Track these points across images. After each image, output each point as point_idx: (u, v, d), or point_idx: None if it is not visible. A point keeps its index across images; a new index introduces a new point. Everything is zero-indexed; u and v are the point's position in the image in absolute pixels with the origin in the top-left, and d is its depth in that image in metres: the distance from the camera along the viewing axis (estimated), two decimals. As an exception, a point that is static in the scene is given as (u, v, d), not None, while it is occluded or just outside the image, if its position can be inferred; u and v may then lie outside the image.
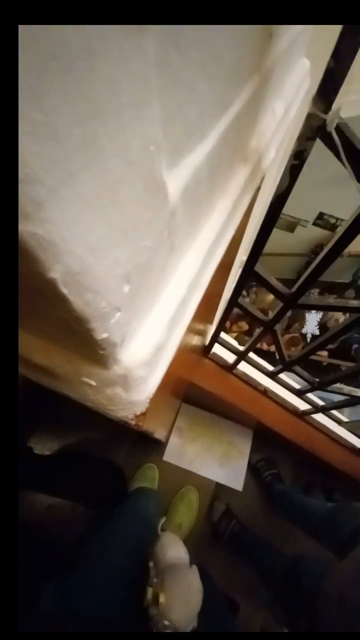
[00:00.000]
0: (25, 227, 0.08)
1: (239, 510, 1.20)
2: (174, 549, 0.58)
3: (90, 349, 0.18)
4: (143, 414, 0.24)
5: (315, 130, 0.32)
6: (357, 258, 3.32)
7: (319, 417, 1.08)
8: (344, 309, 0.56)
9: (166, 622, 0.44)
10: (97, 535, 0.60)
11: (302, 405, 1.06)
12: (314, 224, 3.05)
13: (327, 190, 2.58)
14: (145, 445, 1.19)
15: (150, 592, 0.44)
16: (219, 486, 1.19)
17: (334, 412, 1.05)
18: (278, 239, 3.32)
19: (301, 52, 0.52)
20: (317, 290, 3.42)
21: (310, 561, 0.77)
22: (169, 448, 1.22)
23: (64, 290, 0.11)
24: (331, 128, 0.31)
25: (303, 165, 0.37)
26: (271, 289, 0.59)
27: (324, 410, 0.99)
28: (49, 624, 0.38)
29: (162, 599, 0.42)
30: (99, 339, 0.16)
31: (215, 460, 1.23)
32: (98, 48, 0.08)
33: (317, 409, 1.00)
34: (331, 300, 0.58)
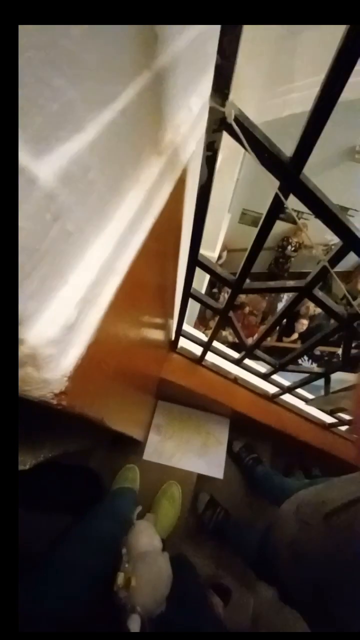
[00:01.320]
0: None
1: (223, 498, 1.23)
2: (147, 536, 0.59)
3: (-16, 327, 0.19)
4: (63, 393, 0.26)
5: (218, 122, 0.35)
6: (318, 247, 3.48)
7: (288, 398, 1.14)
8: (282, 290, 0.60)
9: (135, 606, 0.45)
10: (68, 536, 0.60)
11: (272, 389, 1.11)
12: (279, 218, 3.18)
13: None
14: (124, 448, 1.19)
15: (121, 576, 0.45)
16: (200, 477, 1.22)
17: (301, 391, 1.10)
18: (246, 234, 3.44)
19: (214, 52, 0.56)
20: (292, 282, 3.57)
21: (274, 528, 0.78)
22: (148, 446, 1.22)
23: None
24: (230, 120, 0.34)
25: (217, 156, 0.40)
26: (218, 277, 0.62)
27: (290, 390, 1.04)
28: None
29: (133, 582, 0.44)
30: (-18, 314, 0.17)
31: (195, 452, 1.25)
32: None
33: (283, 389, 1.05)
34: (271, 283, 0.62)
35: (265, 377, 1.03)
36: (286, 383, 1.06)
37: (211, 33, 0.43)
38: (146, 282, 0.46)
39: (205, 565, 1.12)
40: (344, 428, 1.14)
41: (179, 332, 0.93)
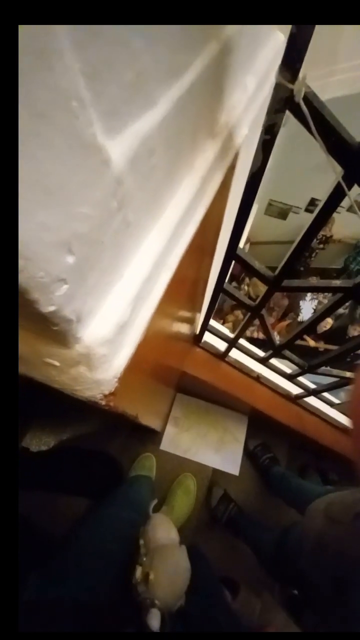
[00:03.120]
0: None
1: (237, 494, 1.22)
2: (164, 529, 0.59)
3: (43, 325, 0.18)
4: (112, 394, 0.24)
5: (283, 101, 0.31)
6: (347, 245, 3.31)
7: (312, 401, 1.10)
8: (326, 289, 0.56)
9: (154, 600, 0.45)
10: (87, 522, 0.61)
11: (295, 390, 1.07)
12: (306, 210, 3.03)
13: (318, 176, 2.55)
14: (142, 435, 1.20)
15: (139, 570, 0.45)
16: (216, 472, 1.21)
17: (326, 394, 1.06)
18: (271, 227, 3.30)
19: (274, 26, 0.51)
20: (314, 278, 3.42)
21: (296, 528, 0.78)
22: (165, 437, 1.23)
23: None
24: (299, 98, 0.31)
25: (275, 140, 0.36)
26: (255, 273, 0.58)
27: (316, 393, 1.00)
28: (32, 613, 0.38)
29: (151, 576, 0.43)
30: (46, 312, 0.16)
31: (211, 447, 1.25)
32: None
33: (309, 392, 1.01)
34: (314, 281, 0.58)
35: (291, 377, 0.99)
36: (311, 385, 1.02)
37: None
38: (187, 277, 0.44)
39: (215, 558, 1.13)
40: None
41: (205, 326, 0.91)
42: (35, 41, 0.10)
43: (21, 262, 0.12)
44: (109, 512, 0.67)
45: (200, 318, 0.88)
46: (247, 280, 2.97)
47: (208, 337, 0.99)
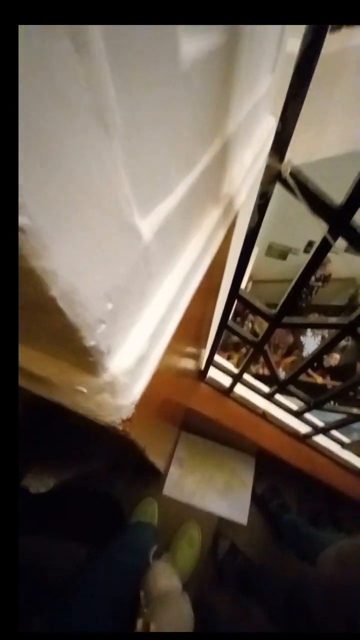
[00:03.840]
0: (36, 263, 0.13)
1: (245, 545, 1.12)
2: (166, 577, 0.56)
3: (82, 356, 0.22)
4: (129, 419, 0.27)
5: (273, 177, 0.39)
6: (347, 282, 3.42)
7: (321, 440, 1.07)
8: (324, 326, 0.60)
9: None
10: (91, 568, 0.58)
11: (303, 428, 1.05)
12: (305, 251, 3.21)
13: (315, 220, 2.75)
14: (145, 477, 1.15)
15: (140, 622, 0.43)
16: (222, 520, 1.14)
17: (336, 433, 1.03)
18: (272, 266, 3.47)
19: (267, 111, 0.62)
20: (315, 314, 3.47)
21: (307, 577, 0.74)
22: (168, 480, 1.17)
23: (60, 305, 0.15)
24: (286, 175, 0.38)
25: (268, 204, 0.43)
26: (256, 311, 0.63)
27: (324, 431, 0.98)
28: None
29: (152, 627, 0.41)
30: (88, 346, 0.20)
31: (217, 491, 1.18)
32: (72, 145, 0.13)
33: (316, 430, 0.99)
34: (313, 318, 0.62)
35: (297, 414, 0.98)
36: (319, 423, 1.00)
37: (268, 97, 0.49)
38: (194, 315, 0.49)
39: (222, 610, 1.01)
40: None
41: (210, 361, 0.93)
42: (99, 170, 0.15)
43: (78, 309, 0.17)
44: (113, 558, 0.64)
45: (206, 353, 0.91)
46: (250, 316, 3.03)
47: (213, 373, 1.01)
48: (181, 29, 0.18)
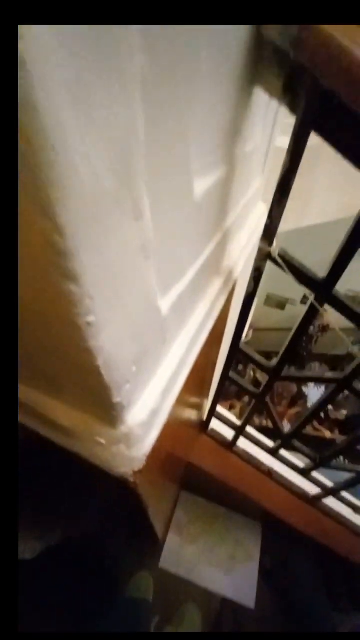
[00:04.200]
0: (91, 343, 0.18)
1: (252, 628, 0.96)
2: None
3: (106, 410, 0.26)
4: (140, 471, 0.30)
5: (265, 256, 0.47)
6: (347, 332, 3.47)
7: (332, 503, 1.00)
8: (320, 380, 0.63)
9: None
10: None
11: (312, 489, 0.99)
12: (302, 302, 3.36)
13: (303, 289, 2.96)
14: (140, 543, 1.05)
15: None
16: (226, 600, 0.99)
17: (348, 496, 0.97)
18: (271, 315, 3.59)
19: (258, 199, 0.76)
20: (316, 363, 3.46)
21: None
22: (166, 550, 1.06)
23: (102, 370, 0.20)
24: (275, 255, 0.46)
25: (262, 275, 0.51)
26: (255, 363, 0.67)
27: (334, 492, 0.93)
28: None
29: None
30: (115, 402, 0.24)
31: (221, 566, 1.06)
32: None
33: (326, 491, 0.94)
34: (310, 371, 0.66)
35: (304, 473, 0.94)
36: (329, 483, 0.95)
37: (260, 190, 0.61)
38: (198, 365, 0.53)
39: None
40: None
41: (212, 412, 0.94)
42: (135, 280, 0.22)
43: (113, 372, 0.22)
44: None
45: (208, 403, 0.92)
46: (251, 365, 3.02)
47: (215, 425, 1.00)
48: (196, 176, 0.26)
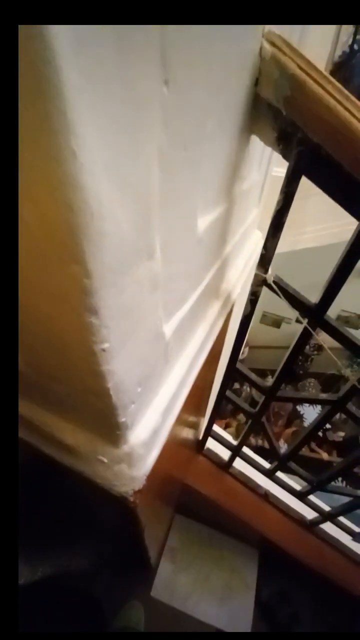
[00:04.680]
0: (104, 367, 0.20)
1: None
2: None
3: (111, 430, 0.27)
4: (139, 491, 0.31)
5: (261, 282, 0.50)
6: (341, 351, 3.52)
7: (330, 529, 0.98)
8: (315, 401, 0.65)
9: None
10: None
11: (309, 513, 0.98)
12: (297, 321, 3.41)
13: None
14: (131, 571, 1.00)
15: None
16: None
17: (345, 521, 0.95)
18: (268, 333, 3.63)
19: (254, 227, 0.81)
20: (312, 380, 3.46)
21: None
22: (158, 578, 1.02)
23: (111, 392, 0.22)
24: (270, 282, 0.49)
25: (258, 299, 0.54)
26: (251, 383, 0.69)
27: (331, 517, 0.91)
28: None
29: None
30: (120, 422, 0.25)
31: (215, 595, 1.01)
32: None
33: (324, 516, 0.92)
34: (304, 393, 0.67)
35: (301, 496, 0.93)
36: (326, 507, 0.93)
37: (256, 219, 0.65)
38: (197, 388, 0.54)
39: None
40: None
41: (209, 432, 0.93)
42: (141, 312, 0.24)
43: (120, 394, 0.23)
44: None
45: (204, 422, 0.92)
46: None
47: (211, 444, 1.00)
48: (199, 215, 0.29)
